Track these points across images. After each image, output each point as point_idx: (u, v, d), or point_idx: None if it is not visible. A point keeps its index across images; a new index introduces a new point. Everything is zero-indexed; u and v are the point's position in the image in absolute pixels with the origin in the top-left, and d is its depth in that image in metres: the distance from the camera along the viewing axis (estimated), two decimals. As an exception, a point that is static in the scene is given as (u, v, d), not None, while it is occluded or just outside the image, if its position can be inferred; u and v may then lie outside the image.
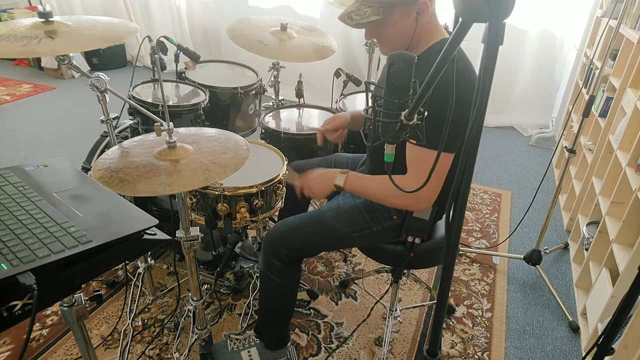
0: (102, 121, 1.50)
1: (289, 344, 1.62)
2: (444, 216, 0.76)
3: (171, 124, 1.17)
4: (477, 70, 0.63)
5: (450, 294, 1.87)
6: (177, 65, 2.03)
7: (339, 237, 1.44)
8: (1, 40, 1.22)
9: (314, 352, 1.71)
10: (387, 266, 2.00)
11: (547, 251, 2.22)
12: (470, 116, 0.64)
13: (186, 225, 1.33)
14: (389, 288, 1.99)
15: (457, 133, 1.03)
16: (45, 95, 4.12)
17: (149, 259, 1.82)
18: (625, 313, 0.92)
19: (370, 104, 0.82)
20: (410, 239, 1.40)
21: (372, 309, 1.90)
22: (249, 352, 1.57)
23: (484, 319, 1.90)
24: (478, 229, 2.51)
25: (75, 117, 3.67)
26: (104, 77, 1.38)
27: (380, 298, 1.95)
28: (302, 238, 1.43)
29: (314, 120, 2.13)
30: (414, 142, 0.82)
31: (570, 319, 1.90)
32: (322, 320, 1.85)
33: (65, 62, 1.37)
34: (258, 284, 1.75)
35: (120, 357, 1.64)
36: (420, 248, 1.43)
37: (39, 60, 4.59)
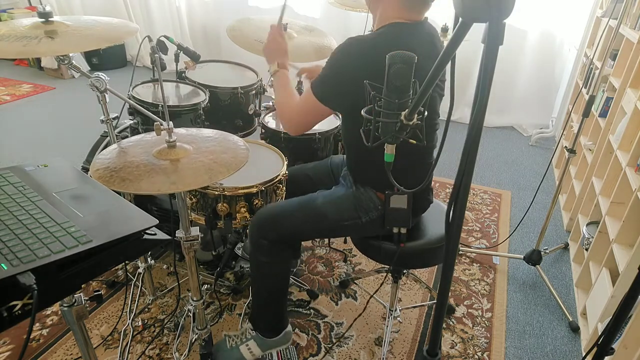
0: (102, 121, 1.50)
1: (287, 328, 1.59)
2: (444, 216, 0.76)
3: (171, 123, 1.17)
4: (476, 70, 0.63)
5: (450, 294, 1.87)
6: (177, 65, 2.03)
7: (330, 224, 1.44)
8: (1, 40, 1.22)
9: (314, 352, 1.71)
10: (386, 266, 2.00)
11: (547, 251, 2.22)
12: (471, 115, 0.64)
13: (186, 225, 1.33)
14: (382, 282, 2.00)
15: (350, 94, 1.24)
16: (45, 95, 4.12)
17: (149, 259, 1.82)
18: (625, 313, 0.92)
19: (370, 104, 0.82)
20: (395, 230, 1.41)
21: (367, 302, 1.89)
22: (247, 345, 1.56)
23: (484, 319, 1.90)
24: (478, 229, 2.51)
25: (75, 117, 3.67)
26: (104, 77, 1.38)
27: (375, 292, 1.94)
28: (292, 222, 1.43)
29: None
30: (414, 142, 0.82)
31: (570, 319, 1.90)
32: (322, 320, 1.85)
33: (65, 62, 1.37)
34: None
35: (120, 357, 1.64)
36: (417, 247, 1.44)
37: (39, 60, 4.59)
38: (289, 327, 1.61)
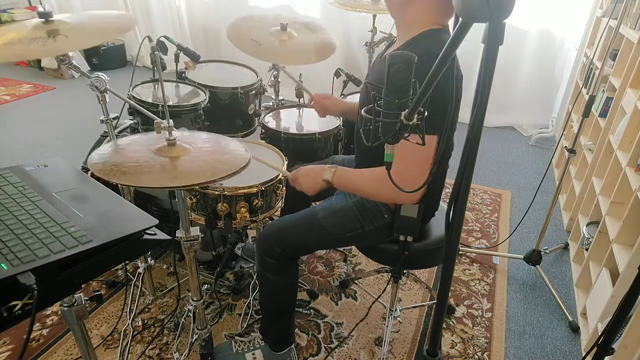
0: (102, 121, 1.50)
1: (292, 345, 1.61)
2: (444, 217, 0.76)
3: (171, 120, 1.17)
4: (477, 70, 0.63)
5: (450, 294, 1.87)
6: (177, 65, 2.03)
7: (332, 237, 1.43)
8: (19, 43, 1.21)
9: (314, 352, 1.71)
10: (386, 266, 2.00)
11: (547, 251, 2.22)
12: (471, 115, 0.64)
13: (186, 225, 1.33)
14: (386, 286, 1.99)
15: (437, 113, 1.04)
16: (45, 95, 4.12)
17: (149, 259, 1.82)
18: (625, 313, 0.92)
19: (370, 104, 0.82)
20: (402, 237, 1.40)
21: (369, 308, 1.90)
22: (253, 354, 1.57)
23: (484, 319, 1.90)
24: (478, 229, 2.51)
25: (75, 117, 3.67)
26: (104, 77, 1.38)
27: (378, 297, 1.95)
28: (295, 238, 1.43)
29: (314, 120, 2.13)
30: (414, 142, 0.81)
31: (570, 319, 1.90)
32: (322, 320, 1.85)
33: (65, 62, 1.37)
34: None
35: (120, 357, 1.64)
36: (419, 248, 1.43)
37: (39, 60, 4.59)
38: (293, 345, 1.62)
